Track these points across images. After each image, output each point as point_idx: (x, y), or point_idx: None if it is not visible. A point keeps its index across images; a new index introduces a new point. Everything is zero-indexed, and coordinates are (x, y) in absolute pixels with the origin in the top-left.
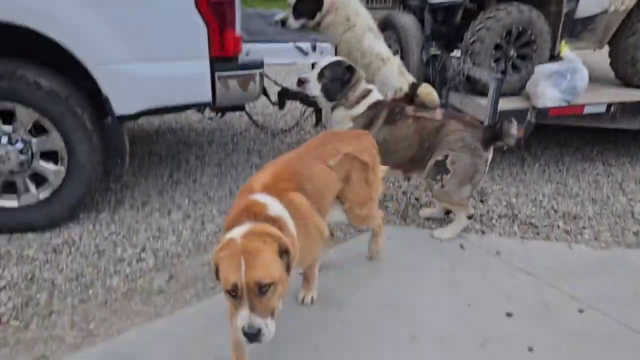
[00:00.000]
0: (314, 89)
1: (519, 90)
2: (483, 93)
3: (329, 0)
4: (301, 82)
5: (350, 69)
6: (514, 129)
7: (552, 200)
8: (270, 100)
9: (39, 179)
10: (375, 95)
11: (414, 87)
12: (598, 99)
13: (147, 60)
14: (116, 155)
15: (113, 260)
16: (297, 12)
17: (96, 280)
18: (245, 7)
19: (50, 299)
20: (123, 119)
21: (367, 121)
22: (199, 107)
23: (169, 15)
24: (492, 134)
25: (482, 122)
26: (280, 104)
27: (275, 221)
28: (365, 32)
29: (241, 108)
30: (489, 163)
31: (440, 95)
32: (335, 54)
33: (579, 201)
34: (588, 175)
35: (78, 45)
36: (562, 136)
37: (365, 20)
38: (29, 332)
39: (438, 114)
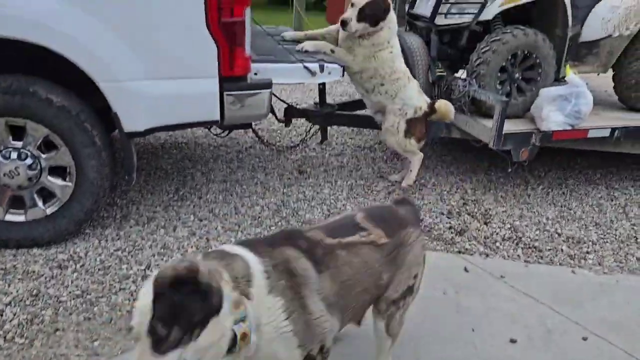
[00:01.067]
0: None
1: (523, 113)
2: (488, 115)
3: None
4: None
5: None
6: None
7: (555, 224)
8: (277, 117)
9: (46, 193)
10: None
11: (431, 105)
12: (602, 123)
13: (157, 78)
14: (124, 171)
15: (118, 276)
16: (363, 16)
17: (101, 298)
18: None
19: (55, 316)
20: (132, 135)
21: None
22: (207, 125)
23: (181, 34)
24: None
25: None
26: (287, 122)
27: None
28: (399, 53)
29: (248, 126)
30: None
31: None
32: (343, 74)
33: (583, 225)
34: (591, 198)
35: (89, 62)
36: (565, 158)
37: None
38: (34, 349)
39: (376, 230)
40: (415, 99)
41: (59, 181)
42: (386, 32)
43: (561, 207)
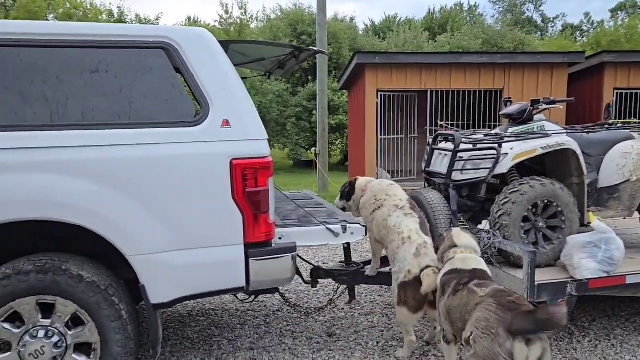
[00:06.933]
0: None
1: (555, 262)
2: (517, 265)
3: (361, 186)
4: None
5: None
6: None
7: None
8: (303, 279)
9: None
10: (454, 264)
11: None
12: (639, 268)
13: (183, 248)
14: (149, 344)
15: None
16: (341, 196)
17: None
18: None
19: None
20: (158, 307)
21: (442, 288)
22: (233, 292)
23: (207, 205)
24: (528, 323)
25: (533, 305)
26: (313, 282)
27: None
28: (392, 210)
29: (275, 290)
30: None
31: None
32: (366, 234)
33: None
34: None
35: (122, 238)
36: (609, 306)
37: (393, 199)
38: None
39: (488, 289)
40: (408, 261)
41: (82, 359)
42: (365, 198)
43: None
